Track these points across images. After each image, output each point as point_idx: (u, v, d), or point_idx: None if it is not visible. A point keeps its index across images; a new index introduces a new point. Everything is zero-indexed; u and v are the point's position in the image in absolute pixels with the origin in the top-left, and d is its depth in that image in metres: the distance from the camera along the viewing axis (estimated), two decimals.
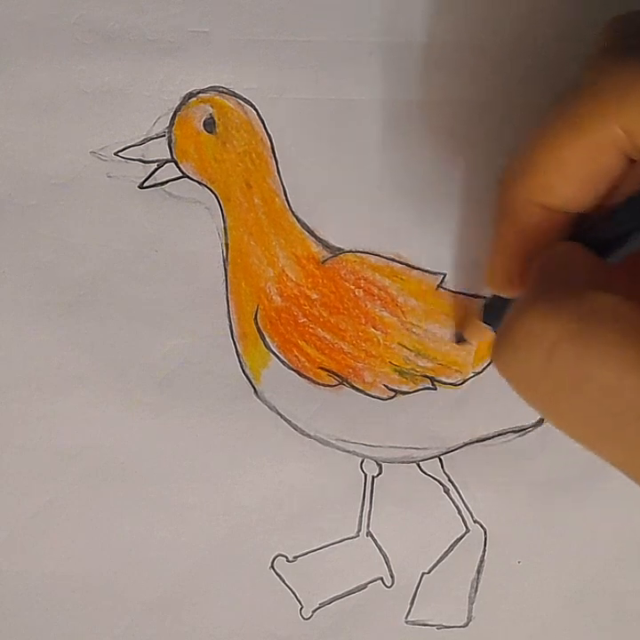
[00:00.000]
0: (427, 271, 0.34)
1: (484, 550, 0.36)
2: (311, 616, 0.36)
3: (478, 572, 0.36)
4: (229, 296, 0.34)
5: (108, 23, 0.33)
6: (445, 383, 0.35)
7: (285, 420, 0.35)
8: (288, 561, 0.36)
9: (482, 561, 0.36)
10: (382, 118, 0.33)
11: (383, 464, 0.35)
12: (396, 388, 0.34)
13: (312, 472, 0.35)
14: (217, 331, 0.34)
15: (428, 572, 0.36)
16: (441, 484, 0.35)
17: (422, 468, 0.35)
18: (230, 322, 0.34)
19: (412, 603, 0.36)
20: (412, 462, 0.35)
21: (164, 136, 0.33)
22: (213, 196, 0.33)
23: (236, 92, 0.33)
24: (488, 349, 0.34)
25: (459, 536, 0.36)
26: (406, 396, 0.35)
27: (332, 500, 0.35)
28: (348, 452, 0.35)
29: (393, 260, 0.34)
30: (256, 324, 0.34)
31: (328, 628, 0.36)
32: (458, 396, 0.35)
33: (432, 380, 0.34)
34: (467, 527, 0.36)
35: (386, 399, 0.35)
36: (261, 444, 0.35)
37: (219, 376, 0.34)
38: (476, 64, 0.33)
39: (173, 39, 0.33)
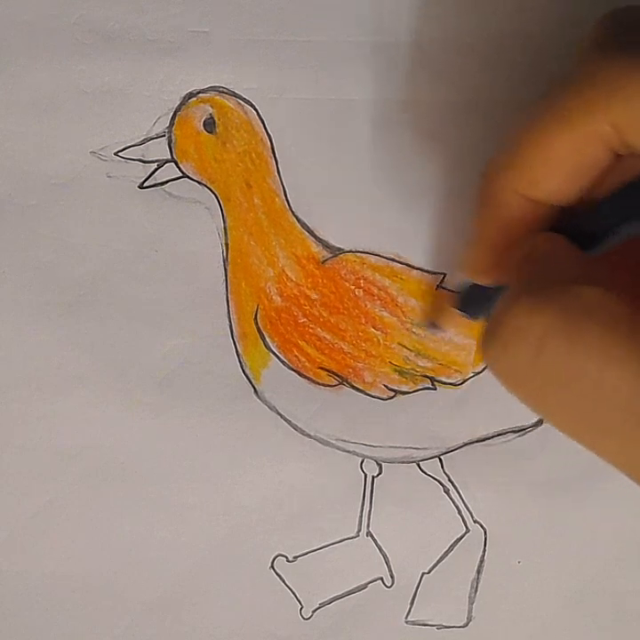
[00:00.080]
0: (427, 271, 0.34)
1: (484, 550, 0.36)
2: (311, 616, 0.36)
3: (478, 572, 0.36)
4: (229, 296, 0.34)
5: (108, 23, 0.33)
6: (445, 383, 0.35)
7: (285, 420, 0.35)
8: (288, 561, 0.36)
9: (482, 561, 0.36)
10: (382, 118, 0.33)
11: (383, 464, 0.35)
12: (396, 388, 0.34)
13: (312, 472, 0.35)
14: (217, 331, 0.34)
15: (428, 572, 0.36)
16: (441, 484, 0.35)
17: (422, 468, 0.35)
18: (230, 322, 0.34)
19: (411, 603, 0.36)
20: (412, 462, 0.35)
21: (164, 136, 0.33)
22: (213, 195, 0.33)
23: (236, 91, 0.33)
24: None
25: (459, 536, 0.36)
26: (406, 396, 0.35)
27: (332, 500, 0.35)
28: (348, 451, 0.35)
29: (393, 260, 0.34)
30: (256, 324, 0.34)
31: (328, 627, 0.36)
32: (458, 396, 0.35)
33: (432, 380, 0.34)
34: (467, 527, 0.36)
35: (386, 399, 0.35)
36: (261, 444, 0.35)
37: (219, 376, 0.34)
38: (478, 63, 0.33)
39: (173, 39, 0.33)
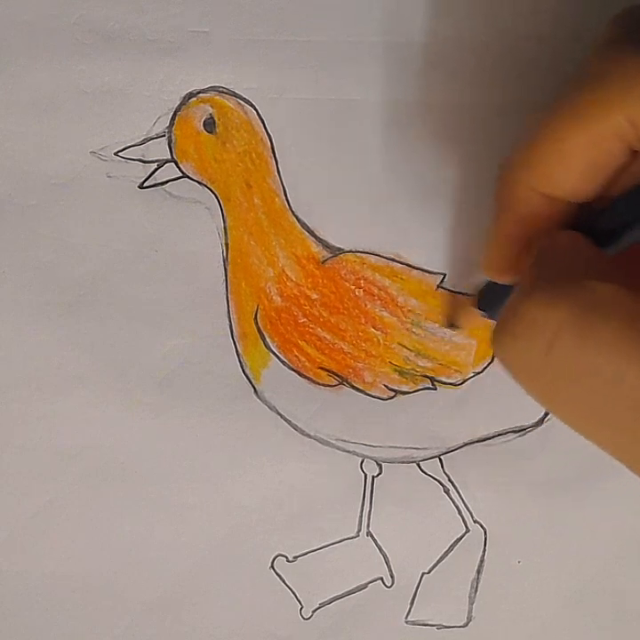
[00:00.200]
0: (427, 271, 0.34)
1: (484, 550, 0.36)
2: (311, 616, 0.36)
3: (478, 572, 0.36)
4: (229, 296, 0.34)
5: (108, 23, 0.33)
6: (445, 383, 0.35)
7: (285, 420, 0.35)
8: (288, 561, 0.36)
9: (482, 561, 0.36)
10: (382, 118, 0.33)
11: (383, 464, 0.35)
12: (396, 387, 0.34)
13: (312, 472, 0.35)
14: (217, 331, 0.34)
15: (428, 572, 0.36)
16: (441, 484, 0.35)
17: (422, 468, 0.35)
18: (230, 322, 0.34)
19: (411, 603, 0.36)
20: (412, 462, 0.35)
21: (164, 136, 0.33)
22: (213, 195, 0.33)
23: (236, 91, 0.33)
24: (487, 349, 0.34)
25: (459, 536, 0.36)
26: (406, 395, 0.35)
27: (332, 500, 0.35)
28: (348, 451, 0.35)
29: (393, 260, 0.34)
30: (256, 323, 0.34)
31: (328, 627, 0.36)
32: (458, 396, 0.35)
33: (432, 379, 0.34)
34: (467, 527, 0.36)
35: (386, 399, 0.34)
36: (261, 444, 0.35)
37: (219, 376, 0.34)
38: (476, 64, 0.33)
39: (173, 39, 0.33)
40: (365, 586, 0.36)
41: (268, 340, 0.34)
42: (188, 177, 0.33)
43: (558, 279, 0.24)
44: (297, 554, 0.36)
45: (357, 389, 0.34)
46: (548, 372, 0.23)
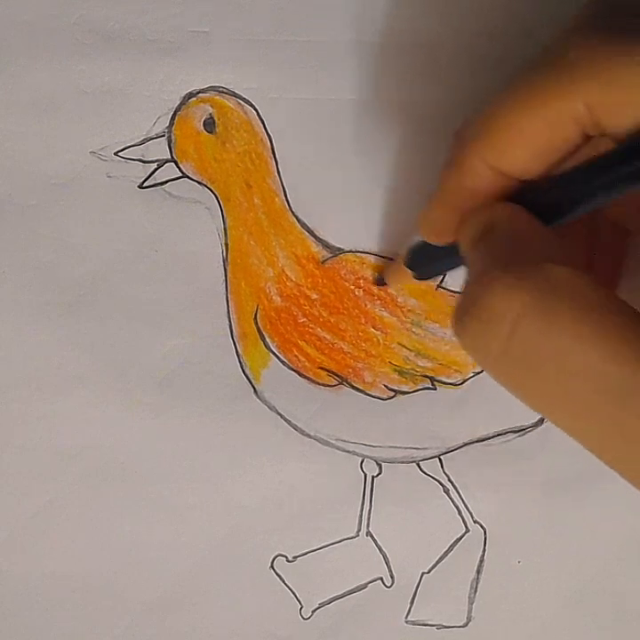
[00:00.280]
0: None
1: (484, 550, 0.36)
2: (311, 616, 0.36)
3: (478, 572, 0.36)
4: (229, 296, 0.34)
5: (108, 23, 0.33)
6: (445, 383, 0.35)
7: (285, 420, 0.35)
8: (288, 561, 0.36)
9: (482, 561, 0.36)
10: (382, 118, 0.33)
11: (383, 464, 0.35)
12: (396, 387, 0.34)
13: (312, 472, 0.35)
14: (217, 331, 0.34)
15: (428, 572, 0.36)
16: (441, 484, 0.35)
17: (422, 468, 0.35)
18: (230, 322, 0.34)
19: (411, 603, 0.36)
20: (412, 462, 0.35)
21: (163, 136, 0.33)
22: (213, 195, 0.33)
23: (236, 92, 0.33)
24: None
25: (459, 536, 0.36)
26: (406, 395, 0.35)
27: (332, 500, 0.35)
28: (348, 451, 0.35)
29: (393, 260, 0.34)
30: (256, 324, 0.34)
31: (328, 627, 0.36)
32: (458, 396, 0.35)
33: (432, 379, 0.34)
34: (467, 527, 0.36)
35: (386, 399, 0.35)
36: (261, 444, 0.35)
37: (219, 376, 0.34)
38: (477, 63, 0.33)
39: (173, 39, 0.33)
40: (365, 586, 0.36)
41: (267, 339, 0.34)
42: (188, 177, 0.33)
43: (515, 261, 0.23)
44: (297, 554, 0.36)
45: (357, 389, 0.34)
46: (511, 358, 0.23)
